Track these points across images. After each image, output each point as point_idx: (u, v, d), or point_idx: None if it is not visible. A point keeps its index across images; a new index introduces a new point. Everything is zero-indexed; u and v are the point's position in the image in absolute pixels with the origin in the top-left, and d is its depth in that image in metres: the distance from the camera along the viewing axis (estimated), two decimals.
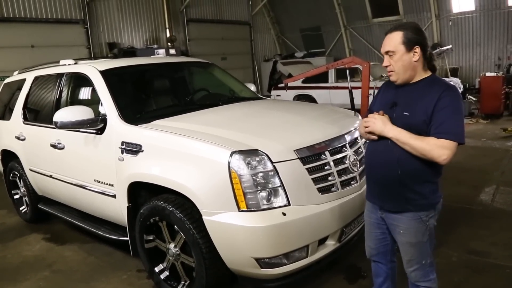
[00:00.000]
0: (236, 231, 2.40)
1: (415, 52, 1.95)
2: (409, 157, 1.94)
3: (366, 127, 2.07)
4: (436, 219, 2.12)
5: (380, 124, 2.00)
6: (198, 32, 13.70)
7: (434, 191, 2.04)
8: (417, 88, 2.00)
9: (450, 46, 10.88)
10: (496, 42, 12.42)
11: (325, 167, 2.67)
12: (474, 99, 10.67)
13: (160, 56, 9.21)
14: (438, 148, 1.85)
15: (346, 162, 2.80)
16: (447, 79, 9.98)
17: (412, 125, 1.94)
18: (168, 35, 12.41)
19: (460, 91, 10.12)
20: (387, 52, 2.00)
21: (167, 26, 12.42)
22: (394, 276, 2.44)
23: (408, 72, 1.99)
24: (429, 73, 2.04)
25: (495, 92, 9.47)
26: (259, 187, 2.42)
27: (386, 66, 2.03)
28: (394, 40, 1.97)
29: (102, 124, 3.19)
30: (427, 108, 1.91)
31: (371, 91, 7.46)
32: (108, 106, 3.25)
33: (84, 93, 3.92)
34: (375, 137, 2.05)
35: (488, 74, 10.11)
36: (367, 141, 2.23)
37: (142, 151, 2.86)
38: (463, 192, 4.74)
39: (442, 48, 10.32)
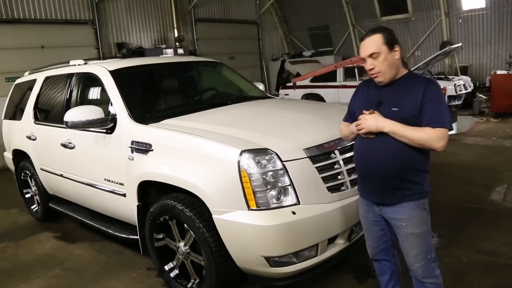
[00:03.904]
0: (246, 230, 2.41)
1: (395, 50, 2.05)
2: (404, 150, 2.01)
3: (359, 129, 2.11)
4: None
5: (372, 121, 2.05)
6: (206, 32, 13.71)
7: (427, 180, 2.13)
8: (400, 84, 2.09)
9: (460, 44, 10.73)
10: (507, 39, 12.24)
11: (335, 166, 2.67)
12: (484, 97, 10.54)
13: (168, 56, 9.26)
14: (436, 137, 1.94)
15: None
16: (456, 78, 9.94)
17: (402, 119, 2.01)
18: (176, 35, 12.43)
19: (470, 89, 10.04)
20: (371, 55, 2.05)
21: (175, 26, 12.43)
22: (398, 271, 2.46)
23: (393, 71, 2.07)
24: (405, 70, 2.13)
25: (506, 90, 9.35)
26: (268, 186, 2.42)
27: (371, 69, 2.08)
28: (376, 42, 2.04)
29: (112, 124, 3.22)
30: (415, 102, 2.00)
31: None
32: (117, 106, 3.27)
33: (94, 93, 3.95)
34: (373, 136, 2.09)
35: (499, 72, 9.97)
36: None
37: (152, 150, 2.88)
38: (474, 192, 4.69)
39: (452, 46, 10.19)
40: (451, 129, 1.99)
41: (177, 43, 12.44)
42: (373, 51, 2.04)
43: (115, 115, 3.24)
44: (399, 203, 2.09)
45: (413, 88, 2.03)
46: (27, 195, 5.08)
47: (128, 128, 3.13)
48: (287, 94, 11.46)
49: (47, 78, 4.50)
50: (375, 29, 2.08)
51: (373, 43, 2.04)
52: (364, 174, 2.23)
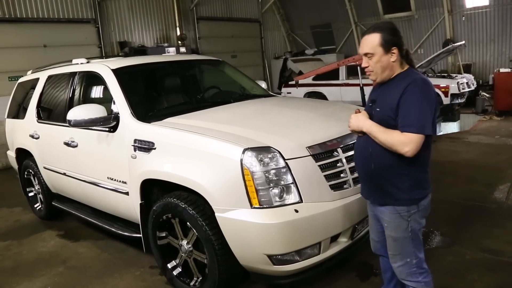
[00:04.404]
0: (249, 228, 2.41)
1: (392, 53, 2.00)
2: (381, 152, 2.01)
3: (349, 127, 2.19)
4: (421, 218, 2.10)
5: (354, 120, 2.11)
6: (208, 30, 13.70)
7: (413, 186, 2.03)
8: (391, 84, 2.06)
9: (463, 42, 10.68)
10: (510, 37, 12.16)
11: (338, 164, 2.67)
12: (487, 95, 10.50)
13: (171, 55, 9.25)
14: (400, 142, 1.89)
15: None
16: (459, 76, 9.89)
17: (381, 120, 2.01)
18: (178, 33, 12.42)
19: (473, 87, 9.99)
20: (366, 54, 2.04)
21: (177, 25, 12.43)
22: None
23: (386, 72, 2.05)
24: (405, 67, 2.07)
25: (509, 88, 9.30)
26: (271, 184, 2.42)
27: (365, 67, 2.09)
28: (372, 42, 2.01)
29: (115, 122, 3.22)
30: (392, 102, 1.97)
31: None
32: (120, 104, 3.28)
33: (97, 92, 3.96)
34: (360, 134, 2.14)
35: (502, 70, 9.92)
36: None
37: (155, 149, 2.88)
38: (477, 190, 4.68)
39: (455, 44, 10.14)
40: (425, 133, 1.88)
41: (179, 42, 12.44)
42: (368, 51, 2.03)
43: (118, 113, 3.24)
44: (382, 205, 2.12)
45: (397, 88, 1.98)
46: (31, 194, 5.09)
47: (131, 126, 3.13)
48: (290, 93, 11.46)
49: (49, 77, 4.51)
50: (376, 27, 2.03)
51: (369, 42, 2.02)
52: (357, 172, 2.32)
